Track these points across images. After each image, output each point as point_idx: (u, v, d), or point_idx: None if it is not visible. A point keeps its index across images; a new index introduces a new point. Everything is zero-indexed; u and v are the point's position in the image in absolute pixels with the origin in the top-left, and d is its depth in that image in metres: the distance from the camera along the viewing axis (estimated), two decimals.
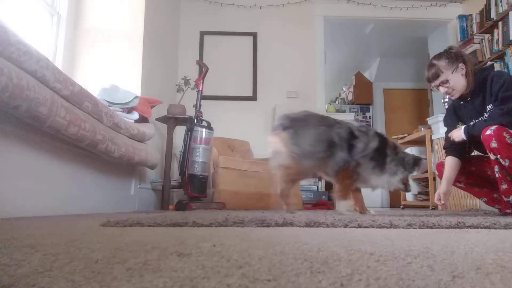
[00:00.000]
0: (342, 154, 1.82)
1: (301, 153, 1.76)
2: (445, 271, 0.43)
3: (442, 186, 2.17)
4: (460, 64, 2.03)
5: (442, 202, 2.14)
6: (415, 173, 2.03)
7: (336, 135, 1.82)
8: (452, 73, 2.02)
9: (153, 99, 2.87)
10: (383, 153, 1.91)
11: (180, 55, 4.39)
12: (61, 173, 1.86)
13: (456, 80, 2.04)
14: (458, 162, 2.18)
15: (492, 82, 1.97)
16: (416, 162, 1.97)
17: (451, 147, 2.20)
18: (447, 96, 2.31)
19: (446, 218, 1.28)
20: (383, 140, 1.93)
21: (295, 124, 1.80)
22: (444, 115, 2.39)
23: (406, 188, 2.02)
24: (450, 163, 2.18)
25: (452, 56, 2.06)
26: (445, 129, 2.32)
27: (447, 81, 2.05)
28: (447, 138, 2.29)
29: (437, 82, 2.07)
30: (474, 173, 2.18)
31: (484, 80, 2.01)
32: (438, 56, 2.09)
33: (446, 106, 2.46)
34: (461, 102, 2.16)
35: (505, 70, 3.50)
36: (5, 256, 0.50)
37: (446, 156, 2.23)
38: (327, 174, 1.97)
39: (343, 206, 1.88)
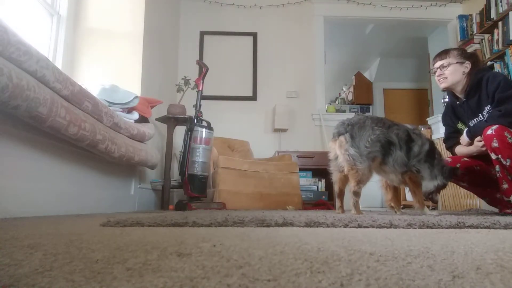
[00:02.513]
0: (400, 153, 1.85)
1: (358, 154, 1.77)
2: (445, 271, 0.43)
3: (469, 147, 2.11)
4: (467, 63, 2.10)
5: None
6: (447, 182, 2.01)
7: (395, 136, 1.86)
8: (456, 63, 2.09)
9: (153, 99, 2.87)
10: (432, 156, 1.93)
11: (180, 55, 4.39)
12: (61, 173, 1.86)
13: (454, 72, 2.10)
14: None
15: (487, 83, 2.00)
16: (454, 171, 1.98)
17: (453, 146, 2.25)
18: (447, 97, 2.34)
19: (446, 218, 1.28)
20: (431, 143, 1.97)
21: (351, 129, 1.83)
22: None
23: (433, 197, 2.00)
24: (459, 146, 2.22)
25: (466, 53, 2.17)
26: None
27: (446, 66, 2.11)
28: (448, 138, 2.31)
29: (439, 63, 2.14)
30: (478, 173, 2.18)
31: (479, 81, 2.05)
32: (456, 47, 2.23)
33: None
34: (457, 102, 2.20)
35: (505, 70, 3.50)
36: (5, 256, 0.50)
37: (452, 150, 2.28)
38: (388, 175, 1.97)
39: (429, 213, 1.88)
